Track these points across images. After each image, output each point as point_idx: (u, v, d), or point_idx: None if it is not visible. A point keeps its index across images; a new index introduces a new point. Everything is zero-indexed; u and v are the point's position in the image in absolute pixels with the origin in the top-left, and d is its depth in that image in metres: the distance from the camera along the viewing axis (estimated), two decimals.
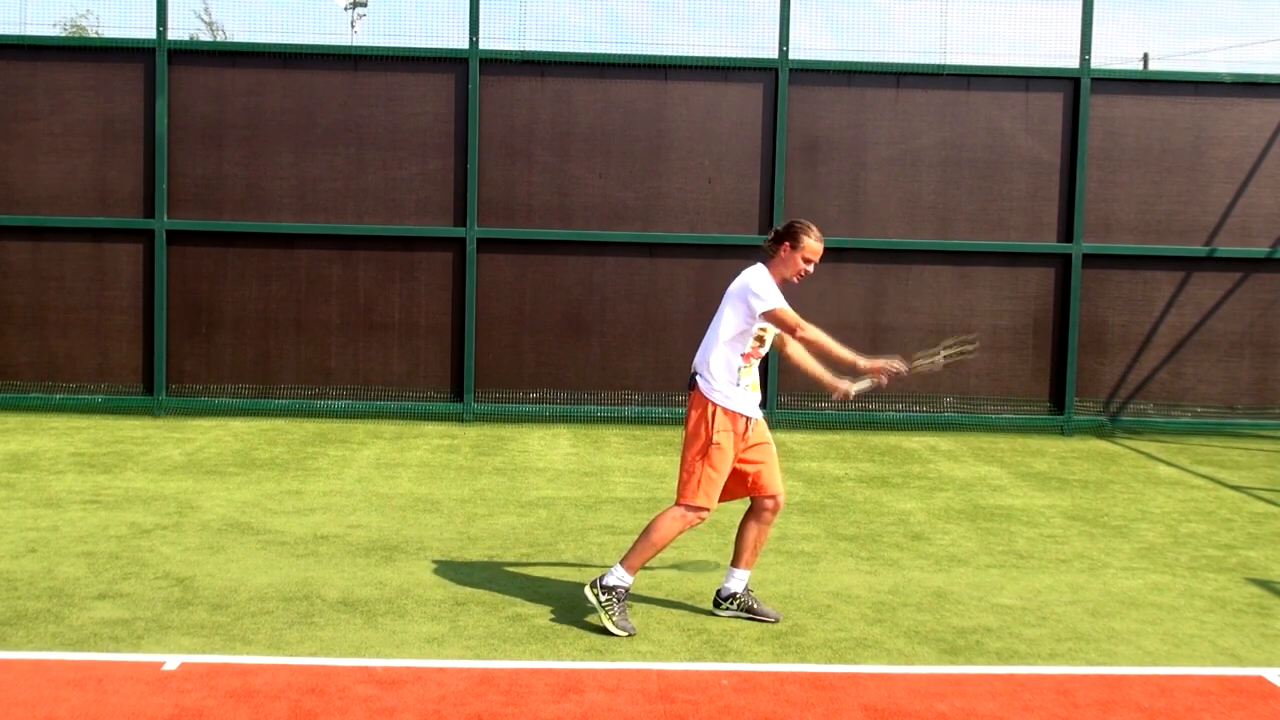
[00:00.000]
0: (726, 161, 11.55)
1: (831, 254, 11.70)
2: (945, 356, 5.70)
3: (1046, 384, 11.79)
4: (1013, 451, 10.58)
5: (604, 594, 5.16)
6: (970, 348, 5.86)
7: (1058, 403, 11.75)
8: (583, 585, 5.84)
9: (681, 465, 5.29)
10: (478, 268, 11.45)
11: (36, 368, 11.40)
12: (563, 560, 6.36)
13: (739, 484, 5.35)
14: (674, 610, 5.47)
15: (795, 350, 5.50)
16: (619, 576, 5.19)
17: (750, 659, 4.87)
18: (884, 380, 5.35)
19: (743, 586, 5.40)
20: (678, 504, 5.24)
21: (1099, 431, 11.75)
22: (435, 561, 6.24)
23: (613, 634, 5.06)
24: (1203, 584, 6.24)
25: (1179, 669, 4.94)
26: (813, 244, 5.27)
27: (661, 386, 11.57)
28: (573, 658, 4.81)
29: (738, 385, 5.23)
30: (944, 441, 11.00)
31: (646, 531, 5.26)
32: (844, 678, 4.69)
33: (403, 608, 5.41)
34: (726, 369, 5.22)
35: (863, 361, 5.25)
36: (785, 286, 5.31)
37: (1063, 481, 9.18)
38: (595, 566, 6.21)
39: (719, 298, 5.42)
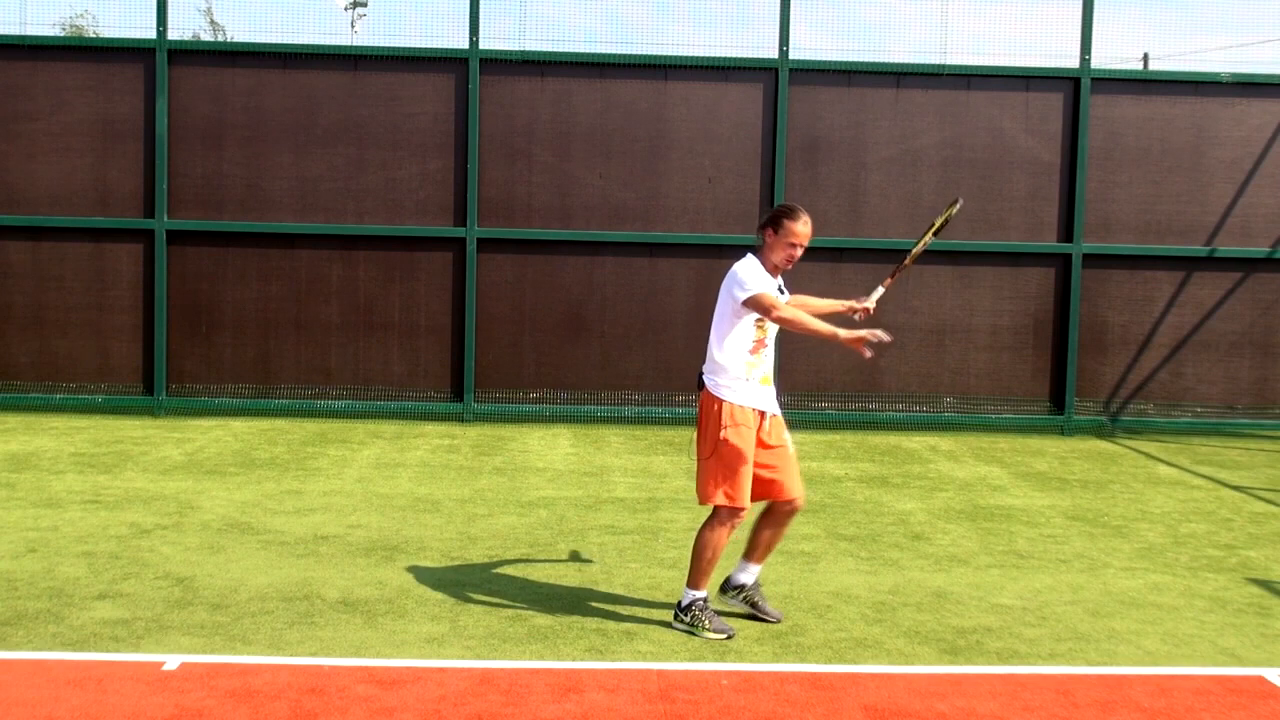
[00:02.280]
0: (726, 161, 11.55)
1: (831, 254, 11.76)
2: (934, 232, 5.69)
3: (1046, 384, 11.79)
4: (1013, 451, 10.58)
5: (686, 614, 5.13)
6: (955, 206, 5.73)
7: (1058, 403, 11.75)
8: (583, 585, 5.85)
9: (698, 471, 5.20)
10: (478, 268, 11.45)
11: (36, 368, 11.40)
12: (563, 560, 6.36)
13: (756, 488, 5.24)
14: (674, 611, 5.47)
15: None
16: (690, 596, 5.16)
17: (750, 659, 4.87)
18: (868, 353, 5.13)
19: (752, 580, 5.35)
20: (714, 511, 5.15)
21: (1099, 431, 11.75)
22: (435, 561, 6.24)
23: (712, 639, 5.03)
24: (1203, 584, 6.24)
25: (1179, 669, 4.94)
26: (796, 227, 5.13)
27: (661, 386, 11.57)
28: (573, 658, 4.81)
29: (746, 379, 5.14)
30: (944, 441, 11.00)
31: (696, 551, 5.18)
32: (844, 678, 4.69)
33: (403, 608, 5.41)
34: (732, 364, 5.14)
35: (843, 334, 5.06)
36: (780, 274, 5.23)
37: (1063, 481, 9.18)
38: (596, 567, 6.22)
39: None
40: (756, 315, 5.13)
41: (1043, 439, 11.40)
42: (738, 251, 11.76)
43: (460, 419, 11.45)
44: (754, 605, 5.35)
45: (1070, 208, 11.65)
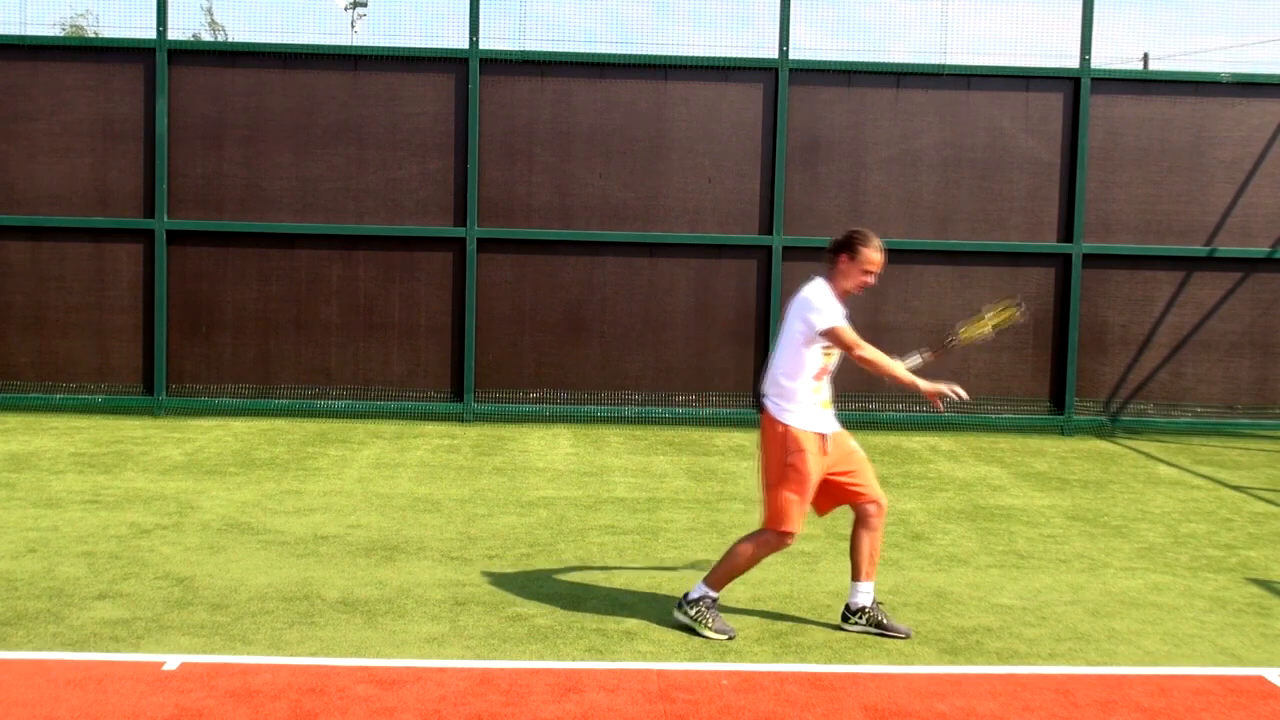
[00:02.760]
0: (726, 161, 11.55)
1: None
2: (994, 326, 5.57)
3: (1046, 384, 11.79)
4: (1013, 451, 10.58)
5: (692, 608, 5.14)
6: (1017, 310, 5.64)
7: (1058, 403, 11.75)
8: (583, 585, 5.86)
9: (763, 492, 5.19)
10: (478, 268, 11.45)
11: (36, 368, 11.40)
12: (563, 560, 6.36)
13: (837, 496, 5.24)
14: (674, 611, 5.46)
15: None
16: (702, 590, 5.17)
17: (750, 659, 4.87)
18: (942, 406, 5.16)
19: (870, 600, 5.25)
20: (764, 529, 5.15)
21: (1099, 431, 11.75)
22: (435, 561, 6.24)
23: (714, 639, 5.04)
24: (1203, 584, 6.24)
25: (1179, 669, 4.94)
26: (872, 254, 5.12)
27: (661, 386, 11.57)
28: (573, 658, 4.81)
29: (809, 403, 5.10)
30: (944, 441, 11.00)
31: (730, 554, 5.20)
32: (844, 678, 4.69)
33: (403, 608, 5.41)
34: (796, 388, 5.09)
35: (923, 385, 5.07)
36: (846, 299, 5.17)
37: (1063, 481, 9.18)
38: (596, 567, 6.22)
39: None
40: (825, 343, 5.10)
41: (1043, 439, 11.40)
42: (737, 251, 11.84)
43: (460, 419, 11.45)
44: (880, 625, 5.22)
45: (1070, 208, 11.65)
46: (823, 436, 5.14)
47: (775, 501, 5.11)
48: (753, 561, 5.21)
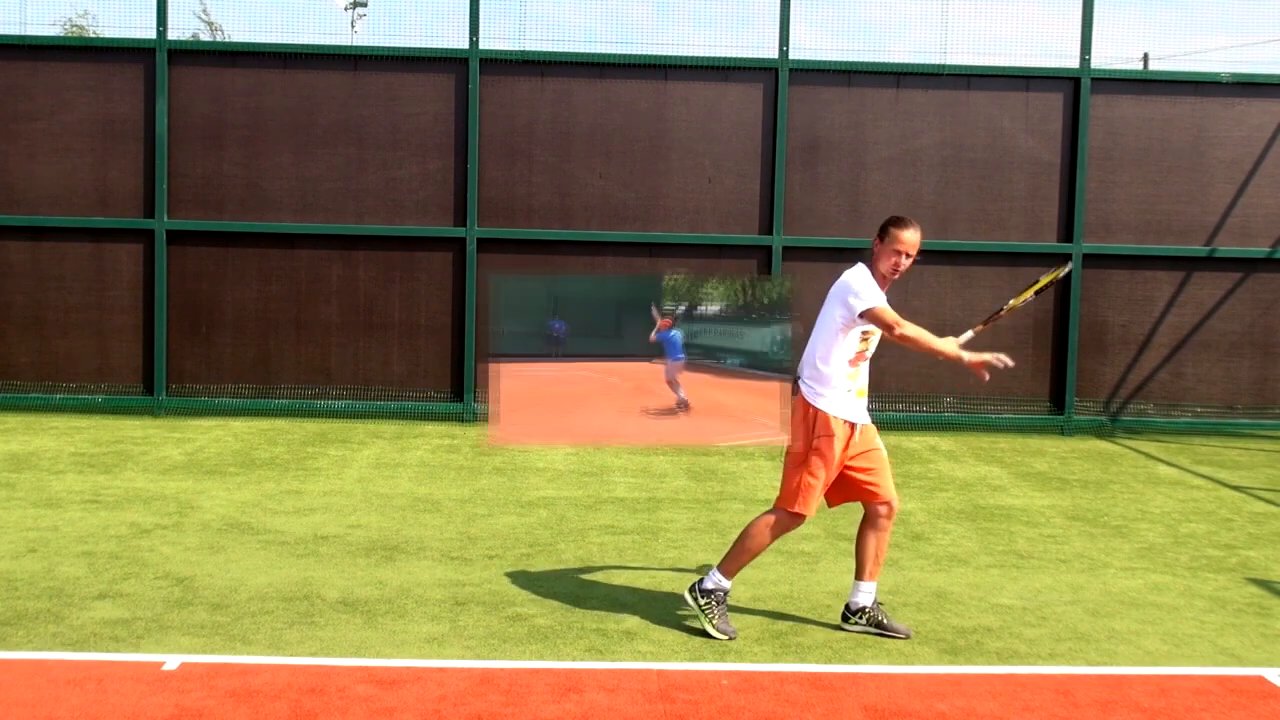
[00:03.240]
0: (726, 161, 11.55)
1: (831, 254, 11.76)
2: (1036, 290, 5.61)
3: (1047, 384, 11.79)
4: (1013, 451, 10.58)
5: (703, 598, 5.14)
6: (1062, 270, 5.74)
7: (1058, 403, 11.75)
8: (583, 585, 5.86)
9: (784, 471, 5.20)
10: (478, 268, 11.45)
11: (36, 368, 11.40)
12: (563, 560, 6.36)
13: (850, 490, 5.23)
14: (674, 610, 5.47)
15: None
16: (716, 580, 5.17)
17: (750, 659, 4.87)
18: (987, 376, 5.16)
19: (871, 600, 5.24)
20: (776, 509, 5.17)
21: (1099, 431, 11.75)
22: (435, 561, 6.24)
23: (714, 637, 5.05)
24: (1203, 584, 6.24)
25: (1179, 669, 4.93)
26: (902, 234, 5.07)
27: None
28: (573, 658, 4.81)
29: (843, 390, 5.09)
30: (944, 441, 11.00)
31: (742, 537, 5.20)
32: (844, 678, 4.69)
33: (403, 608, 5.41)
34: (834, 375, 5.08)
35: (967, 356, 5.06)
36: (887, 285, 5.14)
37: (1063, 481, 9.18)
38: (596, 567, 6.22)
39: None
40: (864, 327, 5.08)
41: (1043, 439, 11.40)
42: (738, 251, 11.84)
43: (460, 419, 11.45)
44: (880, 625, 5.22)
45: (1070, 208, 11.65)
46: (852, 426, 5.12)
47: (793, 482, 5.11)
48: (765, 544, 5.19)
